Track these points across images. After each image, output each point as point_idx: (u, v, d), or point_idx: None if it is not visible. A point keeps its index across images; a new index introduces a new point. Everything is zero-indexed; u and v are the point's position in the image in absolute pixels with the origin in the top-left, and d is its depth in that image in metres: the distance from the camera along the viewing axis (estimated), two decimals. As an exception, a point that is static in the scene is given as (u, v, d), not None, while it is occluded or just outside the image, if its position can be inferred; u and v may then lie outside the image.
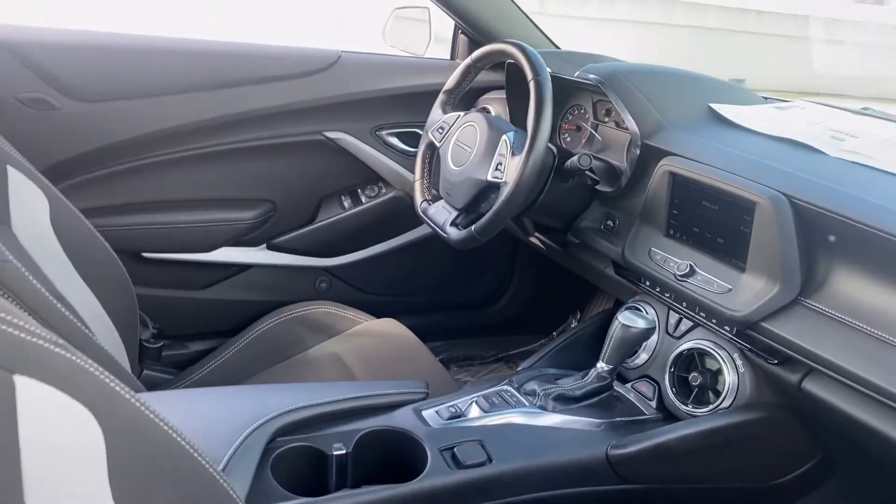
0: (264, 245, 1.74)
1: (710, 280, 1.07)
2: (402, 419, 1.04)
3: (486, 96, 1.75)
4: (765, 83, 1.47)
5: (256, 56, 1.61)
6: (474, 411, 1.08)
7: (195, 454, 0.67)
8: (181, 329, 1.70)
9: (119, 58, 1.51)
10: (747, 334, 1.04)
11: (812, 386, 0.97)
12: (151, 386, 1.43)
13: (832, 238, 0.93)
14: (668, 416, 1.17)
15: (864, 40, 7.23)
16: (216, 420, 0.94)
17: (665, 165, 1.15)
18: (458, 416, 1.06)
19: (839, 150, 1.08)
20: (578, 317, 2.05)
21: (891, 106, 1.46)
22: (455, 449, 0.99)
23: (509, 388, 1.15)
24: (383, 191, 1.78)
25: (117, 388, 0.60)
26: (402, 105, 1.70)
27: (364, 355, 1.41)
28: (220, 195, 1.67)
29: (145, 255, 1.63)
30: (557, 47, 1.73)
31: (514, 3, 1.66)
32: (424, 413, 1.06)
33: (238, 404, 1.01)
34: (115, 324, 1.19)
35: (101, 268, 1.19)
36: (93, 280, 1.13)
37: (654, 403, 1.18)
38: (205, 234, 1.66)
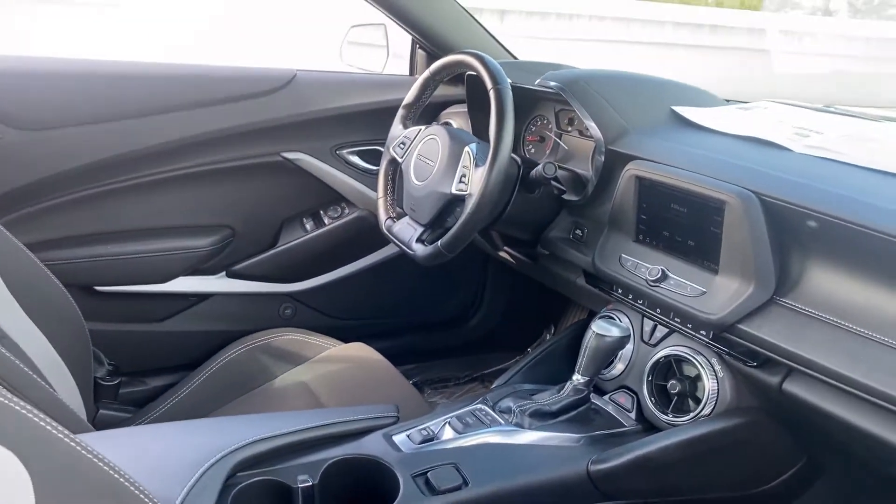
0: (224, 273, 1.68)
1: (683, 284, 1.05)
2: (371, 446, 0.99)
3: (447, 111, 1.72)
4: (724, 95, 1.46)
5: (208, 77, 1.56)
6: (448, 433, 1.04)
7: (142, 496, 0.61)
8: (139, 364, 1.62)
9: (62, 83, 1.45)
10: (724, 338, 1.01)
11: (793, 387, 0.95)
12: (108, 426, 1.35)
13: (812, 224, 0.90)
14: (649, 426, 1.13)
15: (817, 49, 7.45)
16: (171, 457, 0.88)
17: (631, 170, 1.13)
18: (431, 440, 1.01)
19: (804, 146, 1.07)
20: (553, 330, 2.02)
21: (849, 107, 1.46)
22: (429, 474, 0.94)
23: (483, 407, 1.10)
24: (346, 211, 1.74)
25: (51, 430, 0.55)
26: (362, 122, 1.66)
27: (332, 382, 1.36)
28: (176, 222, 1.61)
29: (97, 288, 1.56)
30: (515, 58, 1.71)
31: (470, 14, 1.65)
32: (395, 438, 1.01)
33: (195, 439, 0.94)
34: (67, 362, 1.13)
35: (49, 304, 1.13)
36: (41, 317, 1.07)
37: (633, 414, 1.15)
38: (160, 264, 1.59)
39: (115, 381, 1.40)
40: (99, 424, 1.34)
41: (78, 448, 0.57)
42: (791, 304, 0.93)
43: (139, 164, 1.52)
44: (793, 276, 0.94)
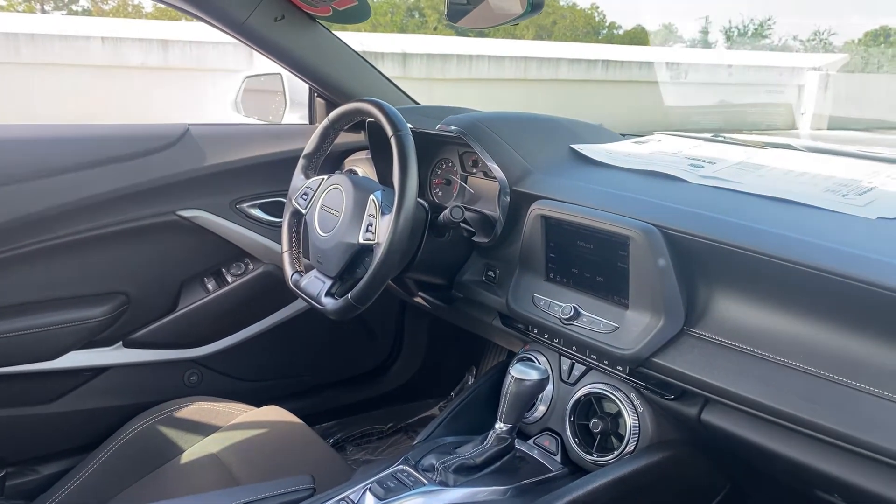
0: (120, 343, 1.57)
1: (595, 320, 1.04)
2: None
3: (352, 157, 1.69)
4: (619, 126, 1.50)
5: (93, 137, 1.47)
6: (369, 500, 0.97)
7: None
8: (28, 452, 1.48)
9: None
10: (640, 372, 1.01)
11: (711, 416, 0.95)
12: (-8, 526, 1.23)
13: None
14: (575, 468, 1.11)
15: (702, 79, 7.94)
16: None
17: (536, 209, 1.12)
18: (351, 510, 0.95)
19: (699, 177, 1.09)
20: (475, 372, 1.99)
21: (735, 135, 1.53)
22: None
23: (405, 467, 1.05)
24: (250, 267, 1.66)
25: None
26: (262, 174, 1.61)
27: (244, 452, 1.27)
28: (63, 293, 1.49)
29: None
30: (417, 103, 1.71)
31: (367, 61, 1.63)
32: None
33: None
34: None
35: None
36: None
37: (558, 457, 1.12)
38: (48, 340, 1.46)
39: (1, 474, 1.27)
40: (-19, 526, 1.20)
41: None
42: (702, 335, 0.94)
43: (19, 232, 1.40)
44: (701, 306, 0.95)
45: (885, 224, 0.88)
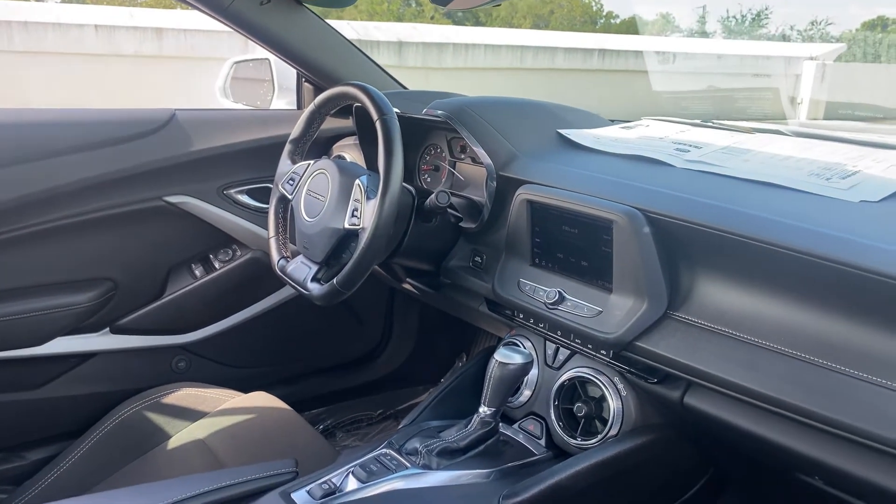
0: (107, 329, 1.56)
1: (579, 305, 1.04)
2: None
3: (340, 143, 1.68)
4: (615, 115, 1.49)
5: (78, 122, 1.46)
6: (351, 483, 0.97)
7: None
8: (15, 438, 1.48)
9: None
10: (624, 356, 1.01)
11: (693, 400, 0.95)
12: (-22, 511, 1.22)
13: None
14: (559, 452, 1.12)
15: (696, 67, 7.92)
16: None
17: (522, 194, 1.12)
18: (333, 493, 0.95)
19: (685, 161, 1.09)
20: (465, 359, 1.99)
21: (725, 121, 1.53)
22: None
23: (389, 451, 1.05)
24: (238, 253, 1.65)
25: None
26: (250, 160, 1.60)
27: (231, 437, 1.27)
28: (49, 279, 1.48)
29: None
30: (405, 88, 1.70)
31: (355, 46, 1.62)
32: (294, 495, 0.94)
33: (70, 521, 0.85)
34: None
35: None
36: None
37: (543, 441, 1.13)
38: (33, 326, 1.46)
39: None
40: (-34, 511, 1.20)
41: None
42: (685, 318, 0.94)
43: (2, 218, 1.39)
44: (684, 290, 0.95)
45: (867, 207, 0.88)
